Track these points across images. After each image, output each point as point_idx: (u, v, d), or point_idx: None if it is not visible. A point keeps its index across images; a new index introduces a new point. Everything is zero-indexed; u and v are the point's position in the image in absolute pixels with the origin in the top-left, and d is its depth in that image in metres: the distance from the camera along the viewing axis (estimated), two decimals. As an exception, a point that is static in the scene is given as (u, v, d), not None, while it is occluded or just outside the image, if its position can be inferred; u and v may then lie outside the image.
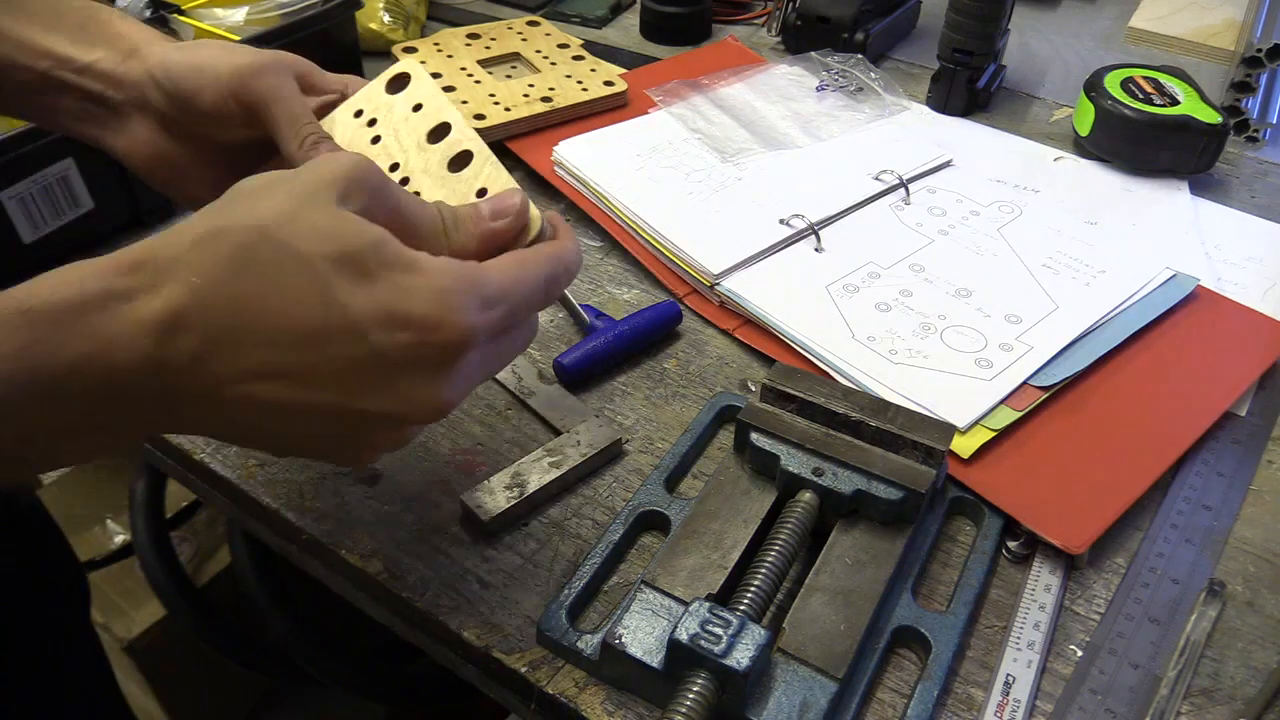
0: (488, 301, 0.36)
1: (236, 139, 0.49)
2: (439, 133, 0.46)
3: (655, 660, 0.42)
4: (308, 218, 0.35)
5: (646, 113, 0.81)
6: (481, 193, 0.44)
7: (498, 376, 0.59)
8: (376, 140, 0.48)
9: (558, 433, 0.55)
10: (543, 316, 0.62)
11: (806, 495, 0.48)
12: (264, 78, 0.47)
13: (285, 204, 0.35)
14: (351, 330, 0.34)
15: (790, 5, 0.92)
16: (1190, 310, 0.64)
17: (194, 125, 0.48)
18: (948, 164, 0.77)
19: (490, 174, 0.45)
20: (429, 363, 0.35)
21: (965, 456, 0.53)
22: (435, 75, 0.81)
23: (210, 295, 0.33)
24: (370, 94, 0.49)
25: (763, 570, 0.44)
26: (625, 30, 0.99)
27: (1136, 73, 0.79)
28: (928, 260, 0.67)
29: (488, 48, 0.88)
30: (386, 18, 0.91)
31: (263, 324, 0.34)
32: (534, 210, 0.43)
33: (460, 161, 0.46)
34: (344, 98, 0.50)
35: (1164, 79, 0.79)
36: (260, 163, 0.50)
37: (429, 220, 0.39)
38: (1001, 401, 0.56)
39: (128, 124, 0.50)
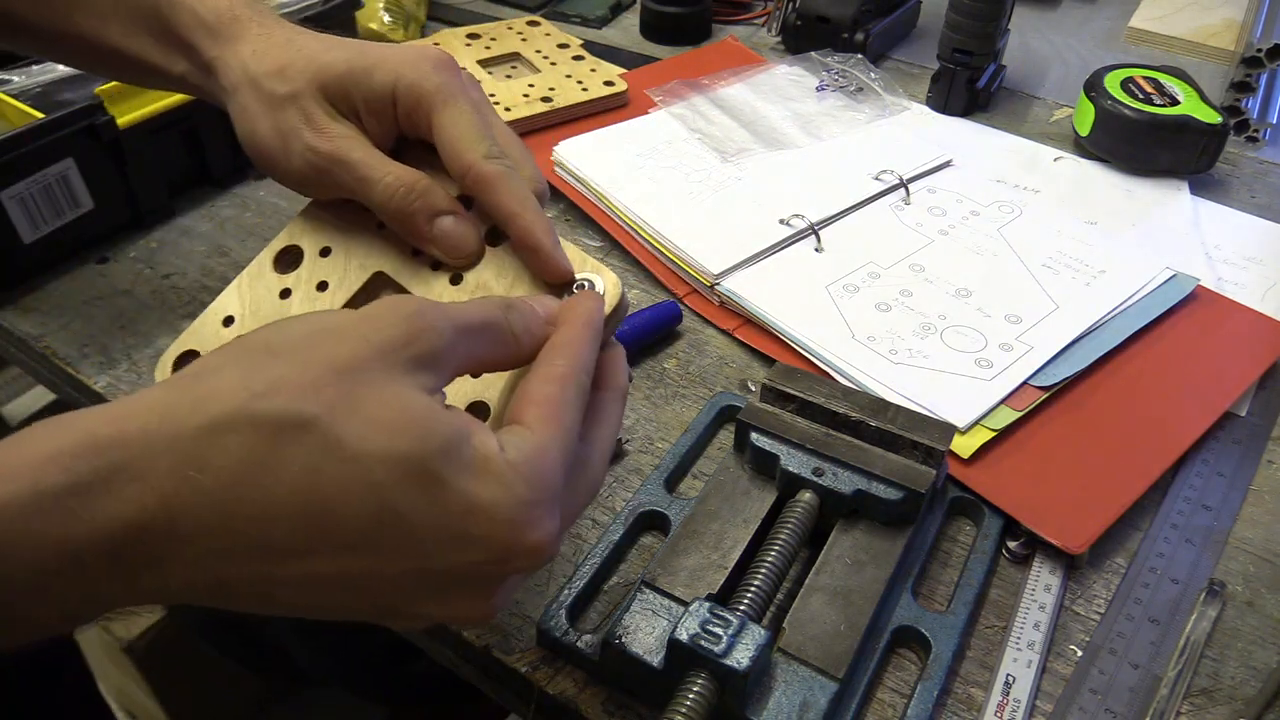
0: (559, 495, 0.33)
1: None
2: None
3: (655, 660, 0.42)
4: (368, 408, 0.28)
5: (646, 113, 0.81)
6: None
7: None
8: (327, 252, 0.43)
9: (558, 433, 0.55)
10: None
11: (806, 495, 0.48)
12: (346, 170, 0.41)
13: (337, 385, 0.28)
14: (412, 546, 0.29)
15: (790, 5, 0.92)
16: (1190, 310, 0.64)
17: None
18: (948, 164, 0.77)
19: None
20: (489, 579, 0.32)
21: (965, 456, 0.53)
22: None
23: (216, 497, 0.27)
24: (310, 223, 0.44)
25: (763, 570, 0.44)
26: (625, 30, 0.99)
27: (1136, 73, 0.79)
28: (928, 260, 0.67)
29: (488, 48, 0.88)
30: (386, 18, 0.91)
31: (295, 525, 0.28)
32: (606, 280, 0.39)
33: (500, 234, 0.42)
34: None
35: (1164, 79, 0.79)
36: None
37: (503, 342, 0.35)
38: (1001, 401, 0.56)
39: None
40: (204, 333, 0.43)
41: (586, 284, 0.39)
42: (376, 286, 0.43)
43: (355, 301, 0.43)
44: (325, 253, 0.44)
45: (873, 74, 0.87)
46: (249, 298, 0.43)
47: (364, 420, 0.28)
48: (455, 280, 0.42)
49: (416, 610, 0.32)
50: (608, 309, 0.38)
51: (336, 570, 0.29)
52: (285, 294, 0.43)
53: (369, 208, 0.43)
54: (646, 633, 0.43)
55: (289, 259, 0.44)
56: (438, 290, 0.42)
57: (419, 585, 0.31)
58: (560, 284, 0.41)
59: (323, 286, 0.43)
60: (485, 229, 0.42)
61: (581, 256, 0.41)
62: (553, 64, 0.86)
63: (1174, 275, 0.65)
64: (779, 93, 0.85)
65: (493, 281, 0.41)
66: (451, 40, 0.88)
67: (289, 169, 0.43)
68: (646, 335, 0.61)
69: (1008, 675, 0.45)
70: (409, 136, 0.44)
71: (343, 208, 0.45)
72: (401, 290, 0.43)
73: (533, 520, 0.31)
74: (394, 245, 0.43)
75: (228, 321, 0.43)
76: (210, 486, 0.27)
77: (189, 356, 0.42)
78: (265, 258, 0.44)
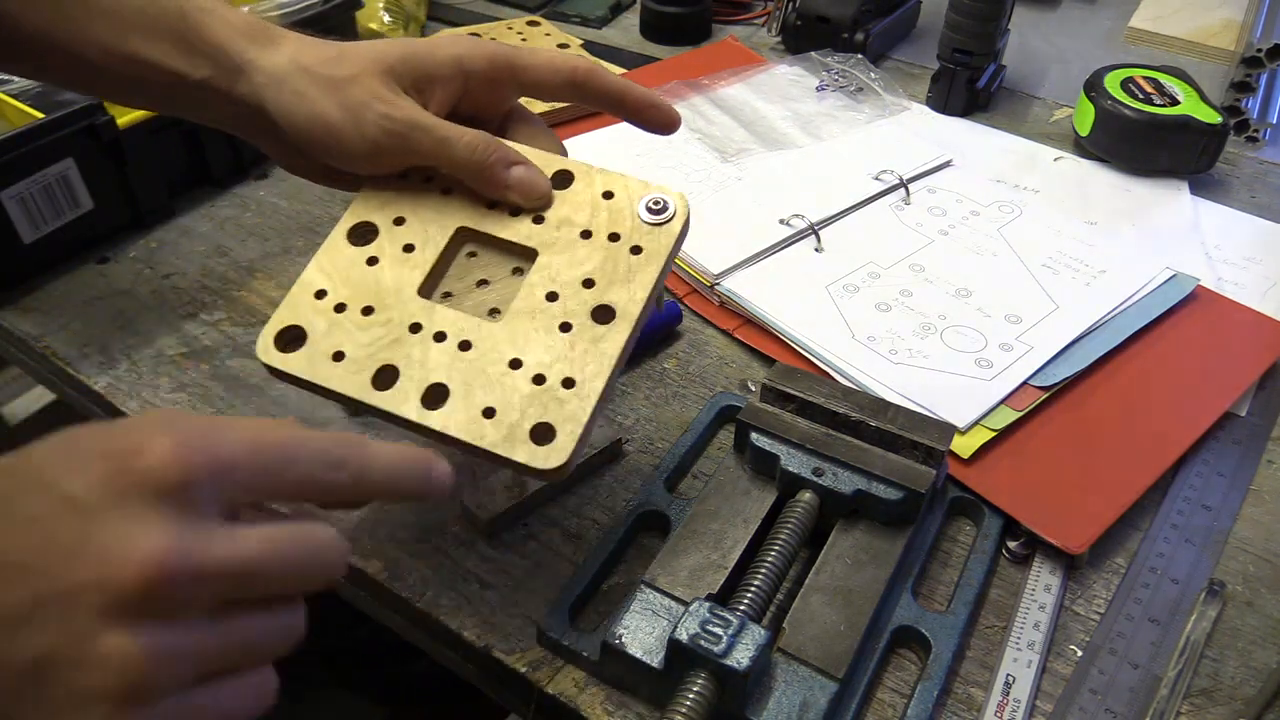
0: (218, 446, 0.30)
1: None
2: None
3: (655, 660, 0.42)
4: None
5: (646, 113, 0.81)
6: (609, 195, 0.45)
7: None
8: (401, 221, 0.46)
9: (558, 433, 0.55)
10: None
11: (806, 495, 0.48)
12: (425, 133, 0.44)
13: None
14: (37, 478, 0.28)
15: (790, 5, 0.92)
16: (1190, 310, 0.64)
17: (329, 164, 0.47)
18: (948, 164, 0.77)
19: (604, 179, 0.46)
20: (128, 498, 0.28)
21: (965, 456, 0.53)
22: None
23: None
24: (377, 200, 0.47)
25: (763, 570, 0.44)
26: (625, 30, 0.99)
27: (1136, 73, 0.79)
28: (928, 260, 0.67)
29: (488, 48, 0.88)
30: (386, 18, 0.91)
31: None
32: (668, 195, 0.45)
33: (563, 179, 0.46)
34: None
35: (1164, 79, 0.79)
36: None
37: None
38: (1001, 401, 0.56)
39: (254, 135, 0.49)
40: (300, 308, 0.44)
41: (663, 201, 0.45)
42: (461, 240, 0.46)
43: (445, 257, 0.46)
44: (400, 221, 0.46)
45: (873, 74, 0.87)
46: (334, 271, 0.45)
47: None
48: (538, 220, 0.46)
49: (66, 571, 0.27)
50: (680, 224, 0.45)
51: None
52: (372, 261, 0.45)
53: (445, 167, 0.46)
54: (646, 633, 0.43)
55: (361, 233, 0.47)
56: (525, 231, 0.46)
57: (57, 521, 0.28)
58: (672, 129, 0.49)
59: (409, 248, 0.46)
60: (551, 175, 0.46)
61: (644, 182, 0.46)
62: (553, 64, 0.86)
63: (1174, 275, 0.65)
64: (779, 93, 0.85)
65: (573, 215, 0.46)
66: (451, 40, 0.88)
67: (359, 142, 0.44)
68: (646, 335, 0.61)
69: (1008, 675, 0.45)
70: (465, 108, 0.48)
71: (402, 181, 0.47)
72: (487, 238, 0.46)
73: (166, 426, 0.29)
74: (466, 204, 0.47)
75: (320, 294, 0.45)
76: None
77: (291, 331, 0.44)
78: (338, 235, 0.46)
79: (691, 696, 0.39)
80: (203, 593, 0.29)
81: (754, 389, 0.59)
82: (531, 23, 0.93)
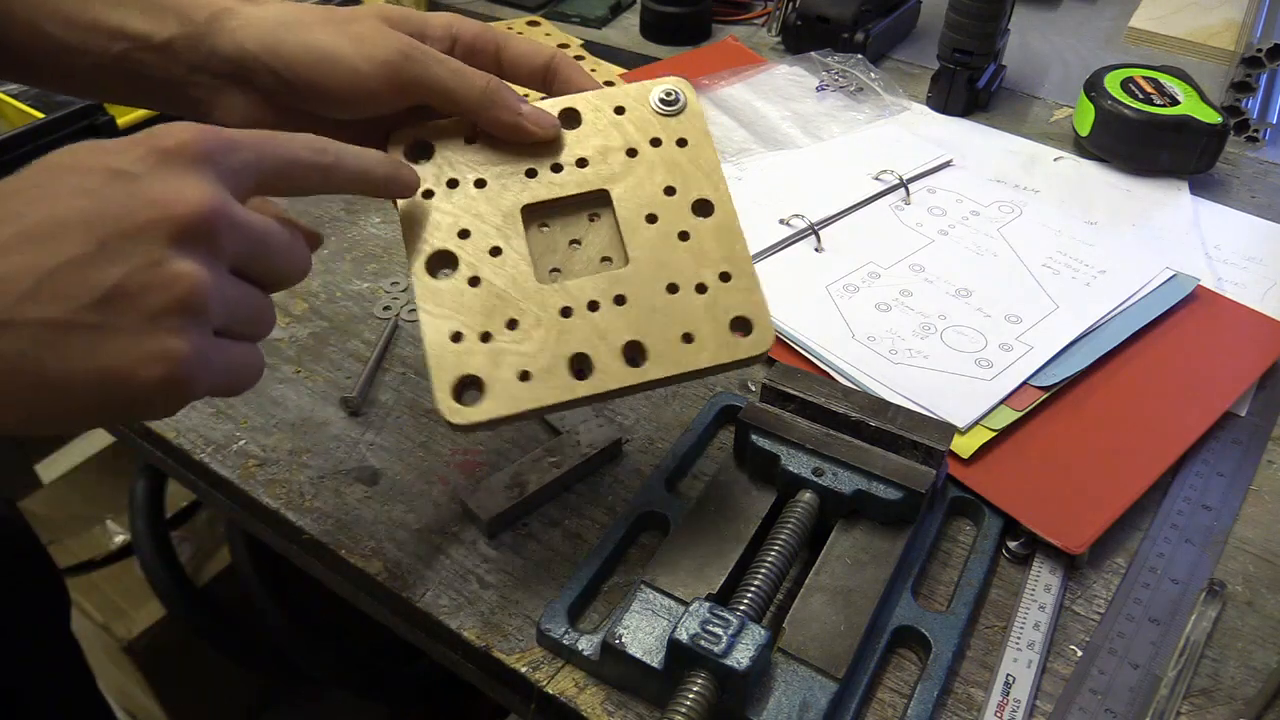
0: (227, 130, 0.36)
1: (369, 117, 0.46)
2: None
3: (655, 660, 0.42)
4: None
5: (646, 113, 0.81)
6: (620, 111, 0.47)
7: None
8: (454, 184, 0.45)
9: (558, 433, 0.55)
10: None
11: (806, 495, 0.48)
12: (438, 63, 0.44)
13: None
14: (75, 164, 0.33)
15: (790, 5, 0.92)
16: (1190, 310, 0.64)
17: (316, 109, 0.45)
18: (948, 164, 0.77)
19: (605, 100, 0.47)
20: (169, 164, 0.34)
21: (965, 456, 0.53)
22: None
23: None
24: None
25: (763, 570, 0.44)
26: (625, 30, 0.99)
27: (1136, 73, 0.79)
28: (928, 260, 0.67)
29: (488, 48, 0.88)
30: (386, 18, 0.91)
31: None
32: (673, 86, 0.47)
33: (571, 117, 0.47)
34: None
35: (1164, 79, 0.79)
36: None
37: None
38: (1001, 401, 0.56)
39: (221, 100, 0.46)
40: (453, 359, 0.42)
41: (672, 92, 0.47)
42: (528, 220, 0.45)
43: (529, 242, 0.45)
44: (465, 234, 0.44)
45: (873, 74, 0.87)
46: (450, 311, 0.43)
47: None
48: (581, 164, 0.46)
49: (121, 208, 0.32)
50: (696, 101, 0.47)
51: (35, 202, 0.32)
52: (474, 282, 0.43)
53: (459, 98, 0.45)
54: (646, 633, 0.43)
55: (438, 264, 0.44)
56: (579, 179, 0.46)
57: (108, 183, 0.32)
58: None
59: (496, 252, 0.44)
60: (557, 114, 0.47)
61: (639, 83, 0.48)
62: (553, 64, 0.86)
63: (1174, 275, 0.65)
64: (779, 93, 0.85)
65: (607, 142, 0.46)
66: (451, 40, 0.88)
67: (368, 68, 0.43)
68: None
69: (1008, 675, 0.45)
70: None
71: (427, 203, 0.45)
72: (550, 204, 0.46)
73: (186, 125, 0.35)
74: (507, 188, 0.46)
75: (456, 337, 0.42)
76: None
77: (460, 382, 0.42)
78: (422, 279, 0.43)
79: (691, 696, 0.39)
80: (235, 242, 0.35)
81: (754, 389, 0.59)
82: (531, 23, 0.93)
